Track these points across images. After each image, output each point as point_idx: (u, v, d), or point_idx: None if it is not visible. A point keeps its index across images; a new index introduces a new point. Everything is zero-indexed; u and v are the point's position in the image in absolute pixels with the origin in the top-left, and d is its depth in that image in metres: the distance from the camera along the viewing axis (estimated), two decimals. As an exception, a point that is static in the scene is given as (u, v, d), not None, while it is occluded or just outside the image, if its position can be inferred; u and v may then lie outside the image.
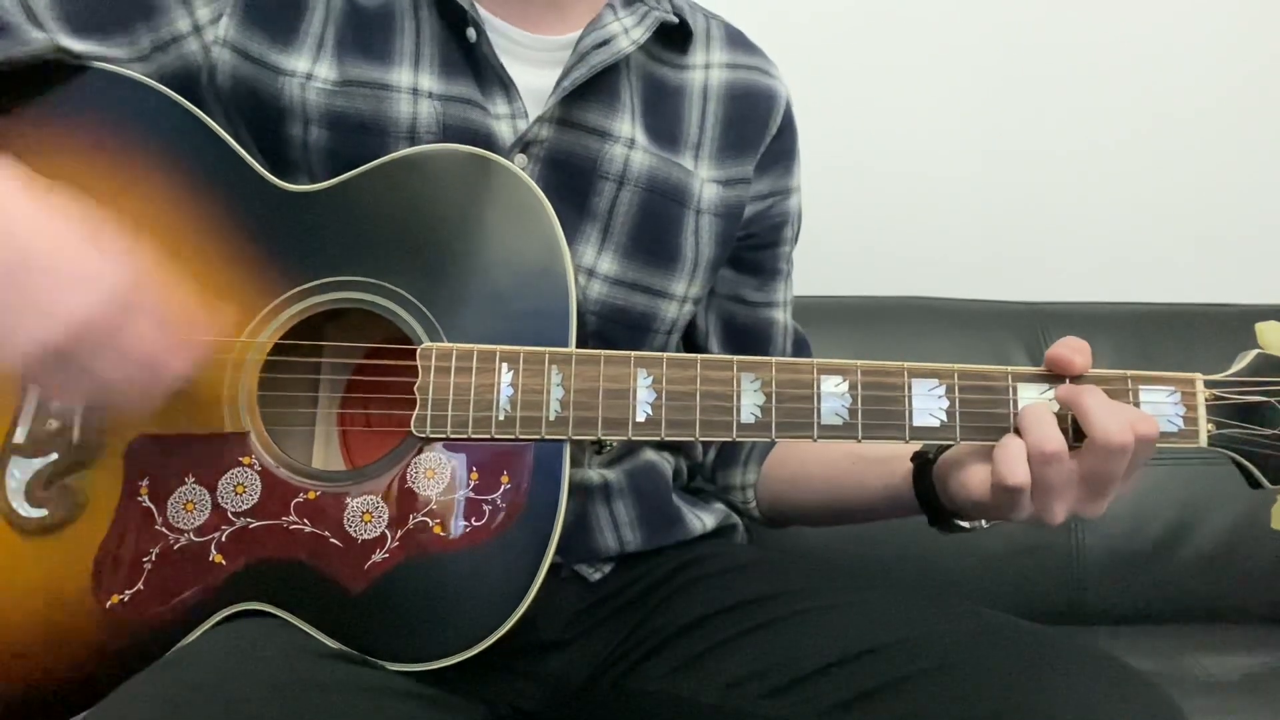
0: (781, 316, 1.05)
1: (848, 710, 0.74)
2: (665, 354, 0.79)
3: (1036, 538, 1.34)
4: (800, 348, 1.07)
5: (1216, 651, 1.26)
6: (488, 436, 0.77)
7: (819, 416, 0.77)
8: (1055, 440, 0.72)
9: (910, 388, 0.77)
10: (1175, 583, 1.36)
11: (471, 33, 0.87)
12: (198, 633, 0.76)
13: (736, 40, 1.01)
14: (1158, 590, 1.36)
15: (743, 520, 1.05)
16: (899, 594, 0.83)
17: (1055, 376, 0.77)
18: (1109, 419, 0.72)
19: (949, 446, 0.82)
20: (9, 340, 0.66)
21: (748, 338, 1.03)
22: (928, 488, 0.84)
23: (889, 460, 0.89)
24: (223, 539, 0.76)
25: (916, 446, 0.86)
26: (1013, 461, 0.73)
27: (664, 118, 0.94)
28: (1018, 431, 0.75)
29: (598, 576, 0.91)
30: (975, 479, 0.77)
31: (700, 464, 1.05)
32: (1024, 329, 1.44)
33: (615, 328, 0.91)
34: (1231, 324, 1.39)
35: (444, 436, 0.77)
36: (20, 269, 0.66)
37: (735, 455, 1.04)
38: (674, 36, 0.96)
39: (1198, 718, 0.70)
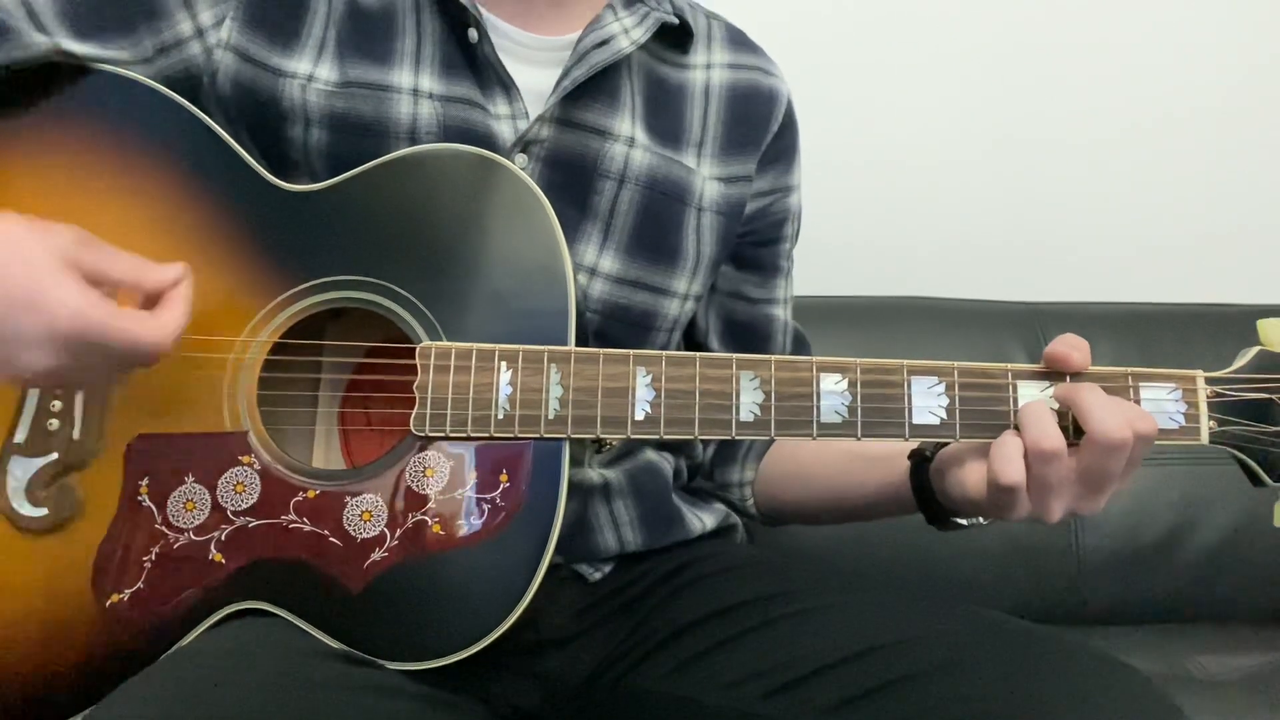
0: (782, 314, 1.05)
1: (848, 710, 0.74)
2: (664, 352, 0.79)
3: (1036, 538, 1.34)
4: (800, 346, 1.07)
5: (1216, 651, 1.26)
6: (487, 435, 0.77)
7: (818, 414, 0.77)
8: (1053, 438, 0.72)
9: (910, 385, 0.77)
10: (1175, 583, 1.36)
11: (473, 33, 0.87)
12: (197, 632, 0.76)
13: (738, 40, 1.01)
14: (1158, 590, 1.36)
15: (742, 519, 1.05)
16: (899, 594, 0.83)
17: (1056, 374, 0.77)
18: (1107, 416, 0.72)
19: (946, 444, 0.82)
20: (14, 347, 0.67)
21: (748, 335, 1.03)
22: (925, 485, 0.84)
23: (887, 458, 0.89)
24: (222, 538, 0.76)
25: (916, 445, 0.86)
26: (1008, 460, 0.73)
27: (666, 116, 0.94)
28: (1017, 429, 0.75)
29: (597, 576, 0.91)
30: (972, 477, 0.77)
31: (700, 463, 1.05)
32: (1023, 329, 1.44)
33: (617, 326, 0.91)
34: (1231, 324, 1.39)
35: (443, 435, 0.77)
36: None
37: (733, 453, 1.04)
38: (675, 37, 0.96)
39: (1198, 718, 0.70)
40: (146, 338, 0.70)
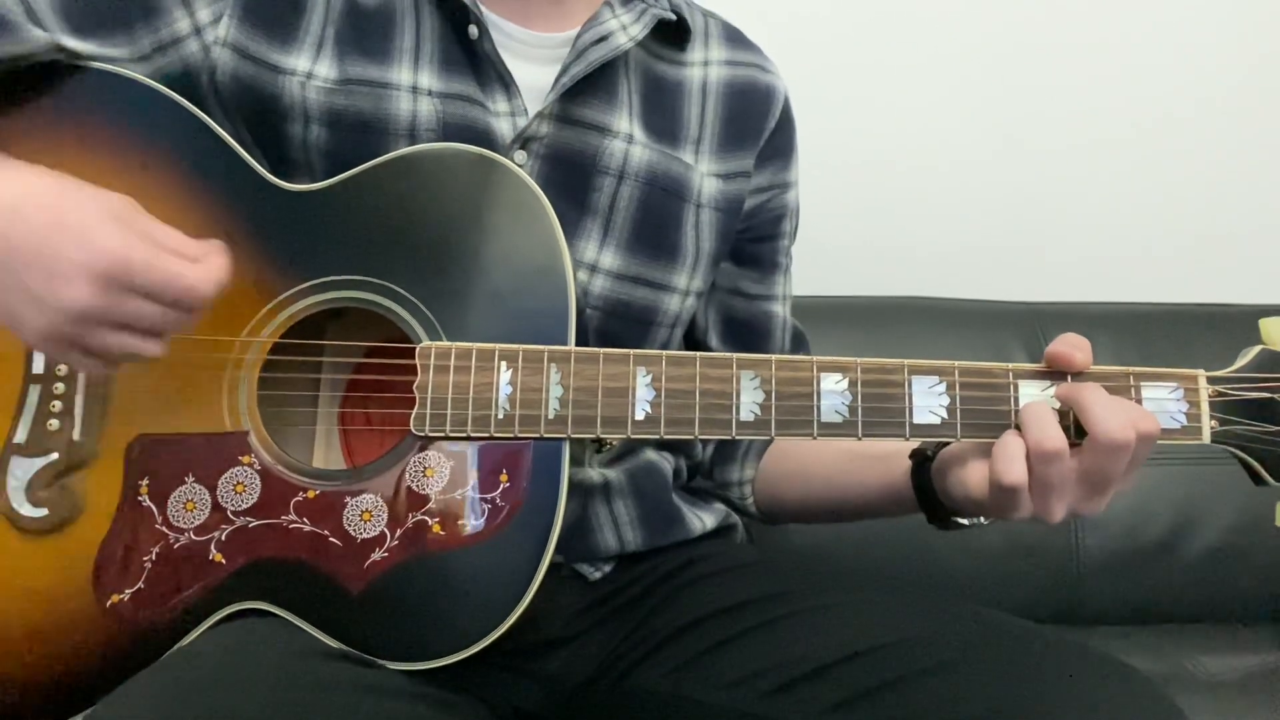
0: (780, 310, 1.05)
1: (848, 710, 0.74)
2: (664, 352, 0.78)
3: (1036, 537, 1.34)
4: (799, 343, 1.07)
5: (1216, 651, 1.26)
6: (487, 435, 0.77)
7: (819, 414, 0.77)
8: (1055, 439, 0.72)
9: (910, 385, 0.77)
10: (1175, 583, 1.36)
11: (474, 30, 0.87)
12: (198, 632, 0.76)
13: (735, 38, 1.02)
14: (1158, 590, 1.36)
15: (742, 519, 1.05)
16: (898, 594, 0.83)
17: (1057, 373, 0.77)
18: (1109, 416, 0.71)
19: (948, 444, 0.82)
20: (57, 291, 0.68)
21: (747, 332, 1.04)
22: (926, 485, 0.84)
23: (888, 458, 0.89)
24: (222, 538, 0.76)
25: (917, 444, 0.86)
26: (1010, 460, 0.72)
27: (663, 113, 0.94)
28: (1018, 429, 0.75)
29: (598, 576, 0.91)
30: (974, 476, 0.77)
31: (700, 462, 1.05)
32: (1023, 329, 1.44)
33: (618, 322, 0.91)
34: (1231, 324, 1.39)
35: (443, 435, 0.77)
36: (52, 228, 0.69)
37: (733, 451, 1.04)
38: (672, 34, 0.96)
39: (1198, 718, 0.70)
40: (191, 276, 0.71)
